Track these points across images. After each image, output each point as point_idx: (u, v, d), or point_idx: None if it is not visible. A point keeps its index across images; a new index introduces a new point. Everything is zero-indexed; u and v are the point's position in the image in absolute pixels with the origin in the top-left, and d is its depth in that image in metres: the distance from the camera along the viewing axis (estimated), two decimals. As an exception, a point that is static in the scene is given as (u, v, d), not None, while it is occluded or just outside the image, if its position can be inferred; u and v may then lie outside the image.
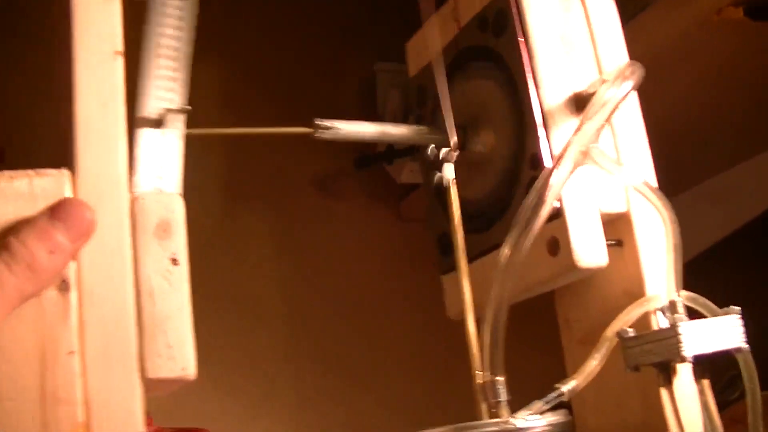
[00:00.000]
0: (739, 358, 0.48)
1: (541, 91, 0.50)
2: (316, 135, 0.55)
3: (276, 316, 0.95)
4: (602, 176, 0.50)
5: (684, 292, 0.50)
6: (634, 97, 0.53)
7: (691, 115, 0.87)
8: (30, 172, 0.39)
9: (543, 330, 0.61)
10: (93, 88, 0.41)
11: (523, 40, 0.51)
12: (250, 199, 0.97)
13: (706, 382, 0.48)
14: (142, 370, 0.39)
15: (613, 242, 0.52)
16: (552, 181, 0.44)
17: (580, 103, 0.51)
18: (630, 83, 0.45)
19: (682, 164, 0.98)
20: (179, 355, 0.40)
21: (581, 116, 0.45)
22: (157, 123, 0.48)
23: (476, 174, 0.59)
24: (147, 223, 0.41)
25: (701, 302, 0.49)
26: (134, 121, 0.49)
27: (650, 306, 0.49)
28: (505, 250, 0.45)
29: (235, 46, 1.00)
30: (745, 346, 0.46)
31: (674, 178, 1.01)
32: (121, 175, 0.41)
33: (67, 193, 0.39)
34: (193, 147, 0.90)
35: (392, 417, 0.91)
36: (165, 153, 0.48)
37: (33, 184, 0.39)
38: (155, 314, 0.40)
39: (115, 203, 0.40)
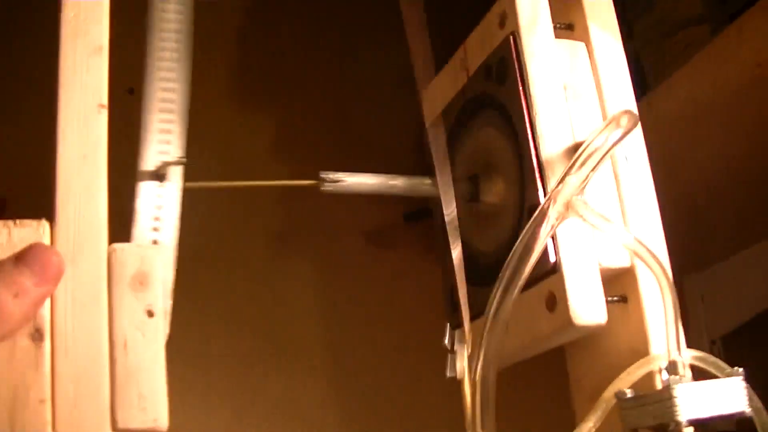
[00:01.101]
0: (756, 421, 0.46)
1: (540, 140, 0.49)
2: (321, 188, 0.56)
3: (319, 361, 0.95)
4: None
5: (691, 351, 0.47)
6: (643, 151, 0.52)
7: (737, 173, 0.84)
8: (9, 222, 0.40)
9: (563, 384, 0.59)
10: (75, 140, 0.42)
11: (522, 88, 0.50)
12: (298, 245, 0.98)
13: (708, 449, 0.45)
14: (113, 421, 0.40)
15: (617, 299, 0.50)
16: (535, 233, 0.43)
17: (582, 153, 0.50)
18: (620, 132, 0.44)
19: (738, 222, 0.95)
20: (151, 407, 0.40)
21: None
22: (157, 176, 0.50)
23: (489, 225, 0.58)
24: (123, 275, 0.41)
25: (711, 361, 0.47)
26: (136, 174, 0.51)
27: (653, 366, 0.47)
28: (492, 305, 0.44)
29: (290, 90, 1.01)
30: (747, 410, 0.44)
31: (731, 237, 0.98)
32: (100, 226, 0.42)
33: (45, 242, 0.40)
34: (242, 195, 0.92)
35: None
36: (163, 205, 0.49)
37: (12, 234, 0.40)
38: (128, 365, 0.40)
39: (92, 254, 0.41)
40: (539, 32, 0.52)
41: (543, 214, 0.42)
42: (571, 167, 0.43)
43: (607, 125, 0.44)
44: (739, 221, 0.95)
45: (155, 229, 0.49)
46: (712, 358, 0.47)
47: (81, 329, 0.40)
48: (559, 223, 0.43)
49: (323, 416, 0.93)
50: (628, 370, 0.48)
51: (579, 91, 0.52)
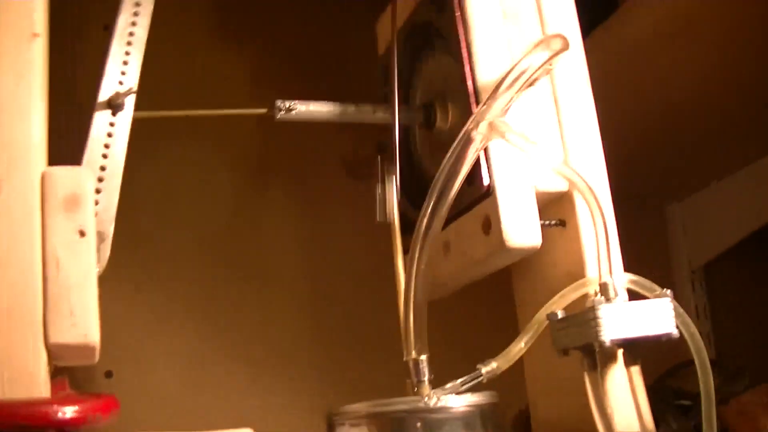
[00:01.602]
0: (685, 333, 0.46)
1: (476, 65, 0.49)
2: (276, 117, 0.56)
3: (297, 290, 0.97)
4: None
5: (627, 275, 0.48)
6: (584, 75, 0.52)
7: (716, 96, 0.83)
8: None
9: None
10: (9, 66, 0.43)
11: (459, 14, 0.49)
12: (279, 175, 0.99)
13: (635, 369, 0.46)
14: (46, 336, 0.41)
15: (555, 222, 0.50)
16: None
17: (521, 77, 0.50)
18: (547, 54, 0.44)
19: (719, 148, 0.94)
20: (81, 322, 0.42)
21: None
22: (111, 106, 0.51)
23: (442, 151, 0.58)
24: (55, 196, 0.42)
25: (642, 284, 0.47)
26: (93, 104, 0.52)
27: (588, 289, 0.48)
28: (420, 227, 0.45)
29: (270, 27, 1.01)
30: (675, 332, 0.44)
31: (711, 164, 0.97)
32: (33, 148, 0.42)
33: (-22, 164, 0.41)
34: (224, 123, 0.92)
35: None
36: (114, 133, 0.50)
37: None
38: (60, 283, 0.42)
39: (25, 175, 0.42)
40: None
41: (467, 136, 0.43)
42: (496, 89, 0.43)
43: (534, 47, 0.44)
44: (719, 147, 0.94)
45: (104, 156, 0.50)
46: (646, 282, 0.48)
47: (14, 248, 0.41)
48: (483, 145, 0.43)
49: (299, 344, 0.95)
50: (562, 292, 0.48)
51: (520, 17, 0.52)
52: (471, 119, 0.43)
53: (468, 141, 0.42)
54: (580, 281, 0.48)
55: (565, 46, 0.44)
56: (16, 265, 0.41)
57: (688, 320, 0.46)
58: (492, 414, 0.47)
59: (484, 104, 0.43)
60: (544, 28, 0.52)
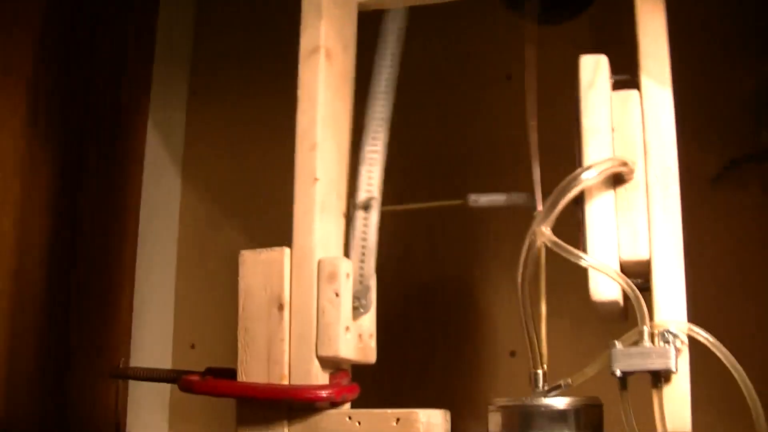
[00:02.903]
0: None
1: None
2: (469, 204, 0.83)
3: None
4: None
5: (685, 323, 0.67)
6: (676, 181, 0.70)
7: None
8: (260, 249, 0.77)
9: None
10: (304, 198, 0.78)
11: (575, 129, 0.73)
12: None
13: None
14: (317, 351, 0.75)
15: (641, 282, 0.70)
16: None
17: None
18: (594, 172, 0.66)
19: None
20: (333, 344, 0.74)
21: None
22: (363, 207, 0.82)
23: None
24: (324, 272, 0.76)
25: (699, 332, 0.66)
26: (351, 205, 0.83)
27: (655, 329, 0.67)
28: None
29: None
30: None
31: None
32: (313, 249, 0.77)
33: (286, 260, 0.77)
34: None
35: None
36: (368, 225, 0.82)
37: (270, 255, 0.77)
38: (324, 321, 0.75)
39: (310, 263, 0.76)
40: (596, 88, 0.73)
41: (529, 239, 0.67)
42: (549, 203, 0.66)
43: (587, 167, 0.66)
44: None
45: (363, 242, 0.81)
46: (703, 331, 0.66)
47: (303, 302, 0.76)
48: (541, 246, 0.67)
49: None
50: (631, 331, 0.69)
51: (625, 133, 0.72)
52: (531, 227, 0.67)
53: (531, 244, 0.67)
54: (653, 322, 0.68)
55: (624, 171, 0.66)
56: (305, 311, 0.76)
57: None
58: (588, 414, 0.69)
59: (542, 213, 0.66)
60: (646, 145, 0.72)
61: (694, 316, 0.68)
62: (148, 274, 1.44)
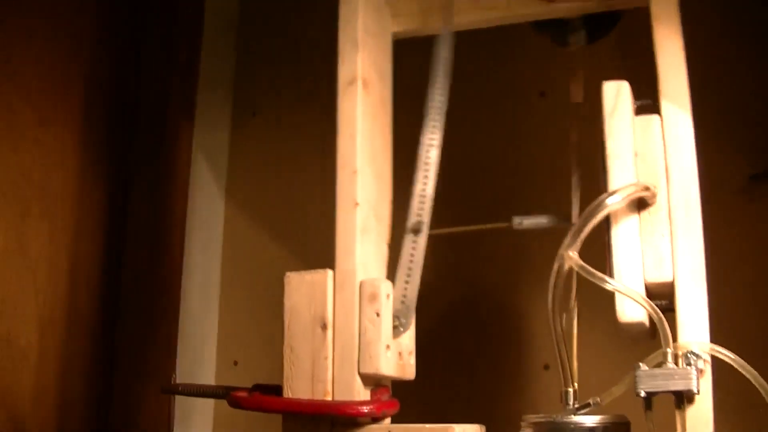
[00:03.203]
0: None
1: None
2: (514, 227, 0.87)
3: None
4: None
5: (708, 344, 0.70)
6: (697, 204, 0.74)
7: None
8: (305, 272, 0.82)
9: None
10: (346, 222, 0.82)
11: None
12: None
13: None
14: (359, 368, 0.79)
15: (665, 304, 0.73)
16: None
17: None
18: (619, 197, 0.70)
19: None
20: (374, 362, 0.79)
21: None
22: (413, 231, 0.87)
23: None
24: (365, 293, 0.80)
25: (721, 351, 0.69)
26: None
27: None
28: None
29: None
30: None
31: None
32: (355, 270, 0.81)
33: (329, 282, 0.81)
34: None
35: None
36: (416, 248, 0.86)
37: (314, 276, 0.82)
38: (365, 340, 0.79)
39: (351, 285, 0.81)
40: (618, 114, 0.77)
41: (558, 263, 0.71)
42: (576, 228, 0.70)
43: (611, 193, 0.70)
44: None
45: (410, 264, 0.86)
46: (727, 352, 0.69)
47: (345, 322, 0.80)
48: (568, 270, 0.71)
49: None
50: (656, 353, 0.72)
51: (648, 158, 0.76)
52: (559, 251, 0.71)
53: (560, 267, 0.71)
54: (677, 344, 0.71)
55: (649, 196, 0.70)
56: (347, 331, 0.80)
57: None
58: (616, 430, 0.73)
59: (569, 238, 0.70)
60: (668, 169, 0.75)
61: (720, 331, 0.72)
62: (193, 294, 1.49)
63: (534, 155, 1.27)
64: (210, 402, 1.43)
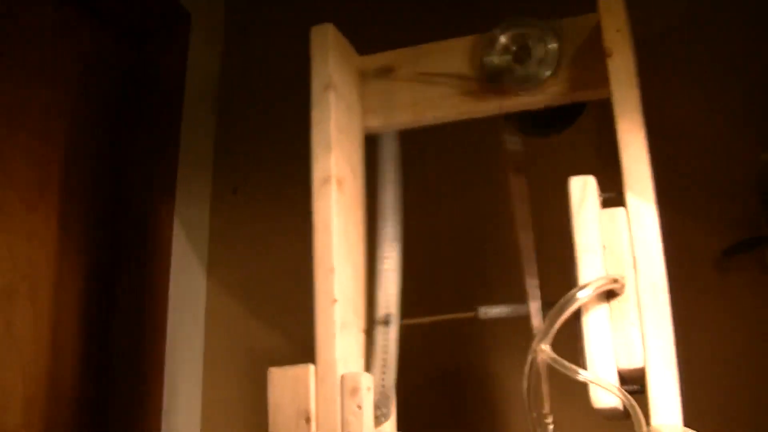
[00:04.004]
0: None
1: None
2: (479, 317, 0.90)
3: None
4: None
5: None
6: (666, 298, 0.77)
7: None
8: (296, 366, 0.84)
9: None
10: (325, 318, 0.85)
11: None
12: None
13: None
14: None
15: (637, 389, 0.76)
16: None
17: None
18: (589, 291, 0.72)
19: None
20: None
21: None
22: (384, 322, 0.89)
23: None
24: (347, 387, 0.82)
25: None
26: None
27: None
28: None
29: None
30: None
31: None
32: (335, 364, 0.83)
33: (311, 377, 0.83)
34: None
35: None
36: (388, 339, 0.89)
37: (296, 371, 0.84)
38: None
39: (333, 379, 0.83)
40: (585, 208, 0.80)
41: (532, 357, 0.74)
42: (547, 322, 0.73)
43: (580, 288, 0.73)
44: None
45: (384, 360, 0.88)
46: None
47: (326, 415, 0.82)
48: (544, 363, 0.73)
49: None
50: None
51: (615, 249, 0.79)
52: (532, 345, 0.74)
53: (533, 360, 0.73)
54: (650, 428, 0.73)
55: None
56: (330, 423, 0.82)
57: None
58: None
59: (541, 332, 0.73)
60: (635, 260, 0.78)
61: (696, 405, 0.74)
62: (177, 375, 1.50)
63: (503, 245, 1.30)
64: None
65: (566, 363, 0.73)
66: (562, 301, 0.74)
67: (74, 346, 1.35)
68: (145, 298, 1.50)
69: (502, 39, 0.91)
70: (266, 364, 0.86)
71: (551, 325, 0.73)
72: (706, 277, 1.18)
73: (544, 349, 0.73)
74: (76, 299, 1.37)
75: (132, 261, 1.49)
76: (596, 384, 0.73)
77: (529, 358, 0.75)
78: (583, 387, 0.76)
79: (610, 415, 0.77)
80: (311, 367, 0.84)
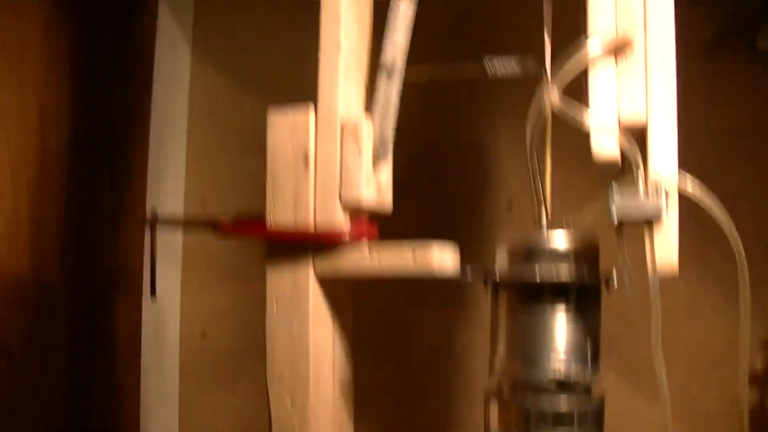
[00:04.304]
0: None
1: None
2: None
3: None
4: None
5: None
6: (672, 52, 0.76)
7: None
8: (296, 106, 0.84)
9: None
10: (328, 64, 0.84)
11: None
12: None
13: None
14: (340, 198, 0.83)
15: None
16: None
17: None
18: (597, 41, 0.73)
19: None
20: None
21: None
22: (389, 71, 0.88)
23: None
24: (347, 131, 0.83)
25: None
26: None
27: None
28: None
29: None
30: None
31: None
32: (337, 109, 0.83)
33: (311, 116, 0.84)
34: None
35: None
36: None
37: (296, 112, 0.84)
38: (346, 175, 0.82)
39: (332, 124, 0.83)
40: None
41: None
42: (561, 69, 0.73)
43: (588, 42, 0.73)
44: None
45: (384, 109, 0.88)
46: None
47: (325, 157, 0.83)
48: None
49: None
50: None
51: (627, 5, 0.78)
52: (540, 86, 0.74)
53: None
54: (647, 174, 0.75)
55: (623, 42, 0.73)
56: (329, 165, 0.83)
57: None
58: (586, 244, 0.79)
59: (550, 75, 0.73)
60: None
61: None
62: (163, 134, 1.51)
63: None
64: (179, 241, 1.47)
65: (574, 103, 0.74)
66: (571, 49, 0.74)
67: (62, 123, 1.34)
68: (128, 68, 1.48)
69: None
70: (254, 144, 0.86)
71: (561, 68, 0.74)
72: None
73: (553, 91, 0.74)
74: (64, 76, 1.35)
75: (116, 32, 1.46)
76: (599, 128, 0.74)
77: (535, 99, 0.75)
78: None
79: (608, 170, 0.79)
80: (312, 108, 0.84)
